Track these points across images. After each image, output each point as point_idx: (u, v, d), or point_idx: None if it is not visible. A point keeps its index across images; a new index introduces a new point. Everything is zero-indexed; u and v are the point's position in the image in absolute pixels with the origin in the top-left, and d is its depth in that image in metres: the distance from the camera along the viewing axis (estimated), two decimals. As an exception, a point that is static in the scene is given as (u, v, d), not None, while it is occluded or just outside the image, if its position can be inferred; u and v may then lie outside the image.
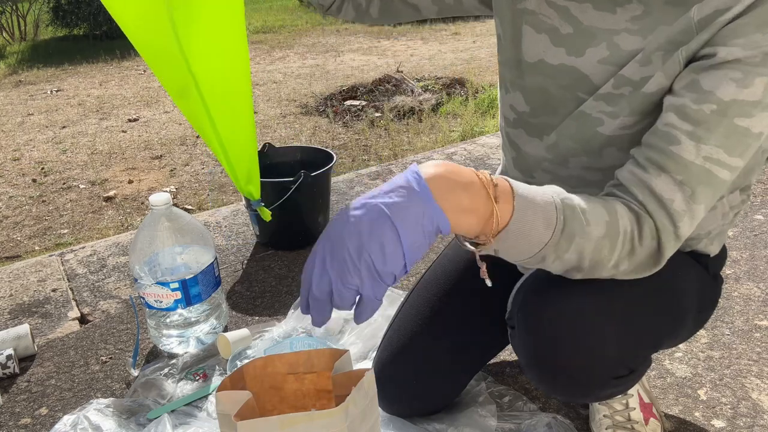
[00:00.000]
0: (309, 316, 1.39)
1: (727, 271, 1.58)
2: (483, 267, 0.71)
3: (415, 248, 0.63)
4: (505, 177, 0.69)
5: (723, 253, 1.01)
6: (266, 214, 0.78)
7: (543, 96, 0.88)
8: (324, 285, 0.64)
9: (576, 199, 0.71)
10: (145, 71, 5.38)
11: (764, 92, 0.70)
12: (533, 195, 0.68)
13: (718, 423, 1.12)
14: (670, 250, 0.76)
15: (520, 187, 0.68)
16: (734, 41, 0.70)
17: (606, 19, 0.80)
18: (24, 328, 1.39)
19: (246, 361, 1.29)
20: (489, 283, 0.72)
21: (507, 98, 0.95)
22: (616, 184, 0.78)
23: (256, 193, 0.78)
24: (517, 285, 0.90)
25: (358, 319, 0.65)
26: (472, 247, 0.69)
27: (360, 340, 1.32)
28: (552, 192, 0.70)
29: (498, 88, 1.00)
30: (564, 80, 0.85)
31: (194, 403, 1.20)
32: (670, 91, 0.76)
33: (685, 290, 0.90)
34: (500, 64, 0.97)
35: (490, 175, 0.67)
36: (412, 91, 3.95)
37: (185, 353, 1.34)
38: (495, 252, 0.70)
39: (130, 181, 2.86)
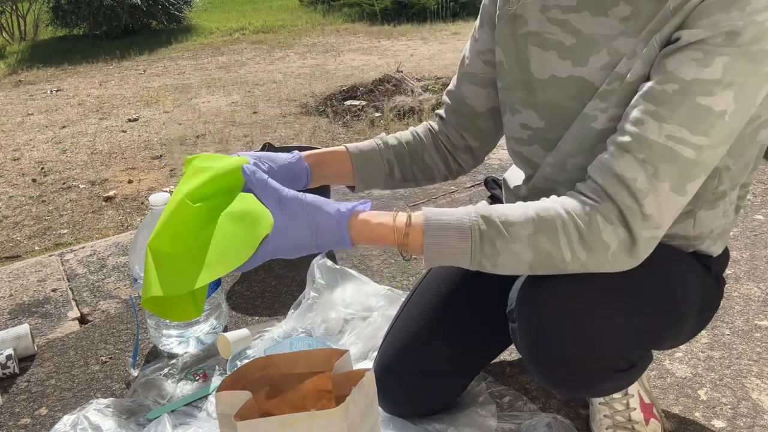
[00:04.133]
0: (309, 316, 1.39)
1: (727, 271, 1.58)
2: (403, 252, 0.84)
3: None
4: (424, 209, 0.81)
5: (725, 255, 1.01)
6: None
7: (554, 109, 0.90)
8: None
9: (497, 207, 0.79)
10: (145, 71, 5.39)
11: (724, 71, 0.71)
12: (446, 218, 0.79)
13: (719, 423, 1.12)
14: (641, 231, 0.76)
15: (434, 214, 0.80)
16: (699, 23, 0.72)
17: (602, 24, 0.83)
18: (24, 328, 1.39)
19: (246, 361, 1.29)
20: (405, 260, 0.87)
21: (515, 119, 0.96)
22: (585, 179, 0.81)
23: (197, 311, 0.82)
24: (518, 281, 0.91)
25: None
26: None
27: (360, 340, 1.32)
28: (470, 209, 0.79)
29: (501, 115, 1.02)
30: (572, 91, 0.87)
31: (194, 403, 1.20)
32: (647, 78, 0.78)
33: (686, 288, 0.90)
34: (502, 90, 0.98)
35: (407, 219, 0.80)
36: (412, 91, 3.94)
37: (185, 353, 1.34)
38: (435, 265, 0.82)
39: (130, 181, 2.86)
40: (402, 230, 0.79)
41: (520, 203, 0.80)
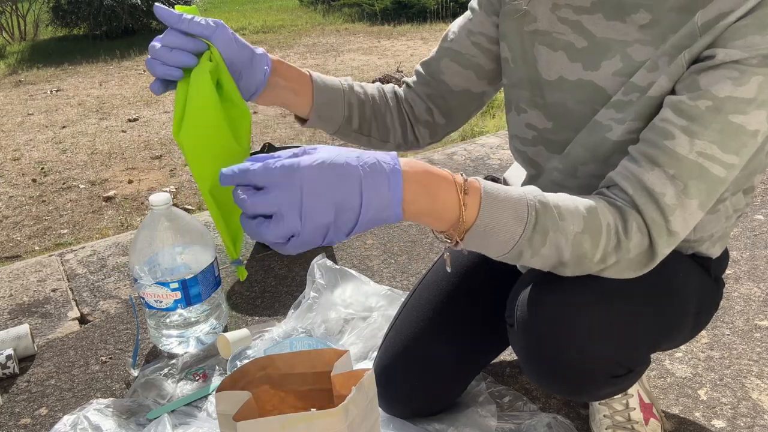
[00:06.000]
0: (309, 316, 1.39)
1: (727, 271, 1.58)
2: (448, 258, 0.78)
3: (363, 229, 0.64)
4: (478, 178, 0.70)
5: (725, 256, 1.00)
6: (242, 274, 0.81)
7: (563, 111, 0.89)
8: (267, 207, 0.61)
9: (551, 197, 0.73)
10: (145, 71, 5.38)
11: (758, 90, 0.71)
12: (504, 193, 0.69)
13: (719, 423, 1.12)
14: (662, 246, 0.75)
15: (490, 186, 0.70)
16: (734, 43, 0.71)
17: (617, 29, 0.81)
18: (24, 328, 1.39)
19: (246, 361, 1.29)
20: (449, 269, 0.82)
21: (521, 119, 0.95)
22: (608, 185, 0.79)
23: (235, 253, 0.81)
24: (516, 284, 0.90)
25: (280, 250, 0.64)
26: (447, 242, 0.71)
27: (360, 340, 1.32)
28: (526, 190, 0.72)
29: (505, 112, 1.00)
30: (582, 95, 0.85)
31: (194, 403, 1.20)
32: (672, 92, 0.77)
33: (685, 292, 0.90)
34: (508, 87, 0.97)
35: (464, 177, 0.69)
36: (412, 91, 3.94)
37: (185, 353, 1.34)
38: (470, 248, 0.71)
39: (130, 181, 2.86)
40: (461, 190, 0.68)
41: (566, 195, 0.75)
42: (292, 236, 0.62)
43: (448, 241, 0.71)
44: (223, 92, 0.78)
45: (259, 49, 0.84)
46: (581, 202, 0.74)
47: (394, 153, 0.67)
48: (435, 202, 0.66)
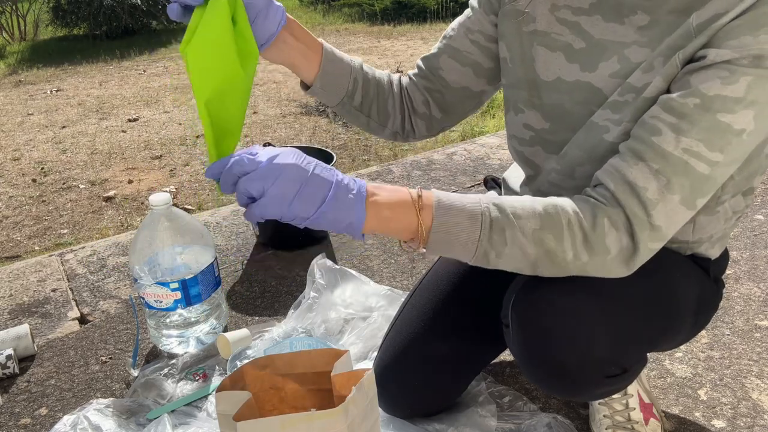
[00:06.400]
0: (309, 316, 1.40)
1: (727, 271, 1.58)
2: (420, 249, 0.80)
3: (320, 222, 0.72)
4: (434, 190, 0.76)
5: (725, 257, 1.01)
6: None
7: (560, 112, 0.89)
8: (253, 163, 0.71)
9: (506, 199, 0.77)
10: (145, 71, 5.39)
11: (747, 90, 0.71)
12: (457, 199, 0.76)
13: (719, 423, 1.12)
14: (645, 241, 0.76)
15: (444, 195, 0.76)
16: (726, 43, 0.72)
17: (616, 31, 0.81)
18: (24, 328, 1.39)
19: (246, 361, 1.29)
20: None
21: (519, 119, 0.95)
22: (594, 184, 0.80)
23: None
24: (512, 284, 0.91)
25: (247, 216, 0.73)
26: (413, 248, 0.78)
27: (360, 340, 1.32)
28: (481, 196, 0.77)
29: (504, 112, 1.00)
30: (579, 96, 0.86)
31: (194, 403, 1.20)
32: (666, 92, 0.78)
33: (682, 292, 0.90)
34: (506, 87, 0.97)
35: (420, 190, 0.76)
36: (412, 91, 3.94)
37: (185, 353, 1.34)
38: (436, 253, 0.77)
39: (130, 181, 2.86)
40: (416, 200, 0.75)
41: (527, 197, 0.78)
42: (263, 193, 0.70)
43: (414, 249, 0.77)
44: (237, 27, 0.80)
45: (278, 3, 0.86)
46: (540, 202, 0.77)
47: (361, 182, 0.75)
48: (395, 206, 0.74)
